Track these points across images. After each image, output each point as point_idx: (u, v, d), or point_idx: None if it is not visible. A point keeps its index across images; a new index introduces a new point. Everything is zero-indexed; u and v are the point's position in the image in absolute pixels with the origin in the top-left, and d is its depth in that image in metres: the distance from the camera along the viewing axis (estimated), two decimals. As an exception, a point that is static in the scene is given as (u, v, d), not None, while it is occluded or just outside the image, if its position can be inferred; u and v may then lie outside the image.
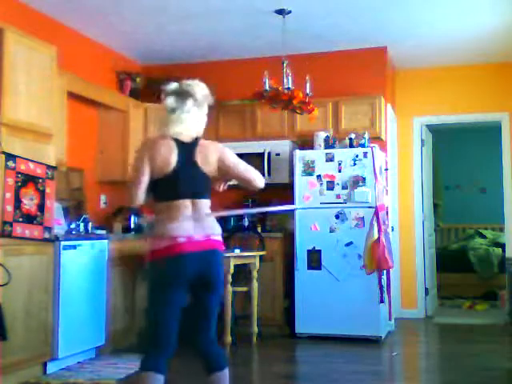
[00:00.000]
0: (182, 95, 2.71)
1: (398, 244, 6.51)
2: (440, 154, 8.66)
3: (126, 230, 5.68)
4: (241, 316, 5.43)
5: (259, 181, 2.79)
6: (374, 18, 5.28)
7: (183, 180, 2.64)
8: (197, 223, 2.64)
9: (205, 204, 2.71)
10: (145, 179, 2.64)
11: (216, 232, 2.72)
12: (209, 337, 2.73)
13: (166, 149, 2.64)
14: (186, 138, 2.70)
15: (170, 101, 2.71)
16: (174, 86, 2.75)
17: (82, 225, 4.96)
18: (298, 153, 5.54)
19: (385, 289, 5.16)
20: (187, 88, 2.73)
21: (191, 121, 2.73)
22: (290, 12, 5.10)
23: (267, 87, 4.95)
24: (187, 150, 2.67)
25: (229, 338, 4.87)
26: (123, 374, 4.15)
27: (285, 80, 5.03)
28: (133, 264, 5.12)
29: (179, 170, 2.63)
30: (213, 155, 2.71)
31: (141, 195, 2.66)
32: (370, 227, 5.19)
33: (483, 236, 9.08)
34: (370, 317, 5.18)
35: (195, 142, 2.72)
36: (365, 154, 5.34)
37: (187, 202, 2.64)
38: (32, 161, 4.02)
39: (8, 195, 3.80)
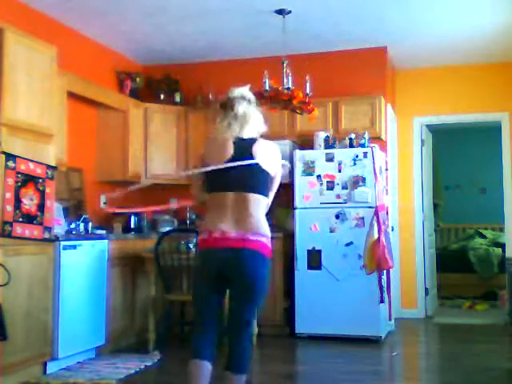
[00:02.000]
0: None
1: (398, 244, 6.50)
2: (440, 154, 8.65)
3: (126, 229, 5.69)
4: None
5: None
6: (374, 18, 5.28)
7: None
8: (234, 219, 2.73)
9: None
10: None
11: (258, 232, 2.74)
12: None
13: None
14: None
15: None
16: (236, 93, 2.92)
17: (82, 225, 4.95)
18: (298, 153, 5.54)
19: (385, 289, 5.16)
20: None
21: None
22: (290, 12, 5.10)
23: (267, 87, 4.94)
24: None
25: (229, 338, 4.86)
26: (123, 373, 4.16)
27: (285, 80, 5.03)
28: (133, 264, 5.13)
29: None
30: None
31: None
32: (369, 227, 5.19)
33: (483, 236, 9.07)
34: (370, 317, 5.18)
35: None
36: (365, 154, 5.34)
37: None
38: (32, 161, 4.02)
39: (8, 195, 3.80)
